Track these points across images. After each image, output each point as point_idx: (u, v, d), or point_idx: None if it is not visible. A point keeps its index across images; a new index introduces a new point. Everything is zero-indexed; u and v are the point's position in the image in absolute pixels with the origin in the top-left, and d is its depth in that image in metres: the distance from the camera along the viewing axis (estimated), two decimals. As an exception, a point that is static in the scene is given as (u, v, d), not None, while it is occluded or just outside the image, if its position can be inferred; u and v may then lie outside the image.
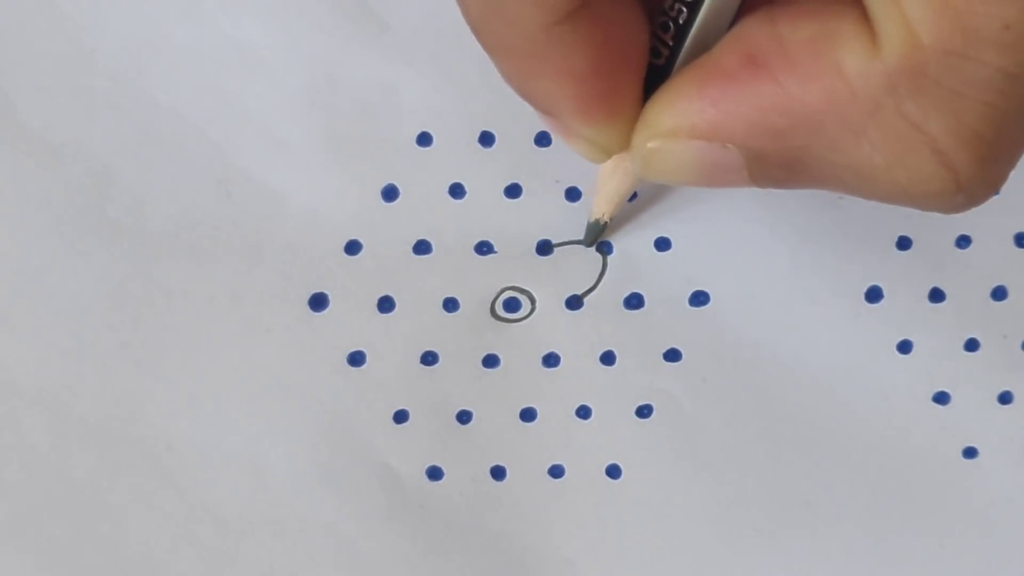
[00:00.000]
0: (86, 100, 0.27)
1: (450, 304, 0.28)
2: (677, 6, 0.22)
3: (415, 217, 0.28)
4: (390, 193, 0.28)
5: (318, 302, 0.28)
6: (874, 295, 0.29)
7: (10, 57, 0.26)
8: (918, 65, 0.19)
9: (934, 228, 0.29)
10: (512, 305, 0.28)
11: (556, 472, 0.29)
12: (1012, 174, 0.29)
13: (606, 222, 0.27)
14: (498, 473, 0.29)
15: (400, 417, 0.28)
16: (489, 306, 0.28)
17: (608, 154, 0.24)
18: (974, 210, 0.28)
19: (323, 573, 0.28)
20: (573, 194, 0.28)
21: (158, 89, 0.27)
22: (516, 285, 0.28)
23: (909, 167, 0.20)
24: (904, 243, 0.29)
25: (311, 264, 0.28)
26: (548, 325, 0.29)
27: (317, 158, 0.27)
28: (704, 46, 0.22)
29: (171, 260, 0.27)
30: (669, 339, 0.29)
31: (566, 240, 0.28)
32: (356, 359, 0.28)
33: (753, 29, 0.21)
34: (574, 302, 0.29)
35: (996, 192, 0.21)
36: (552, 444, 0.29)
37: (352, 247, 0.28)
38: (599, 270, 0.29)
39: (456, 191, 0.28)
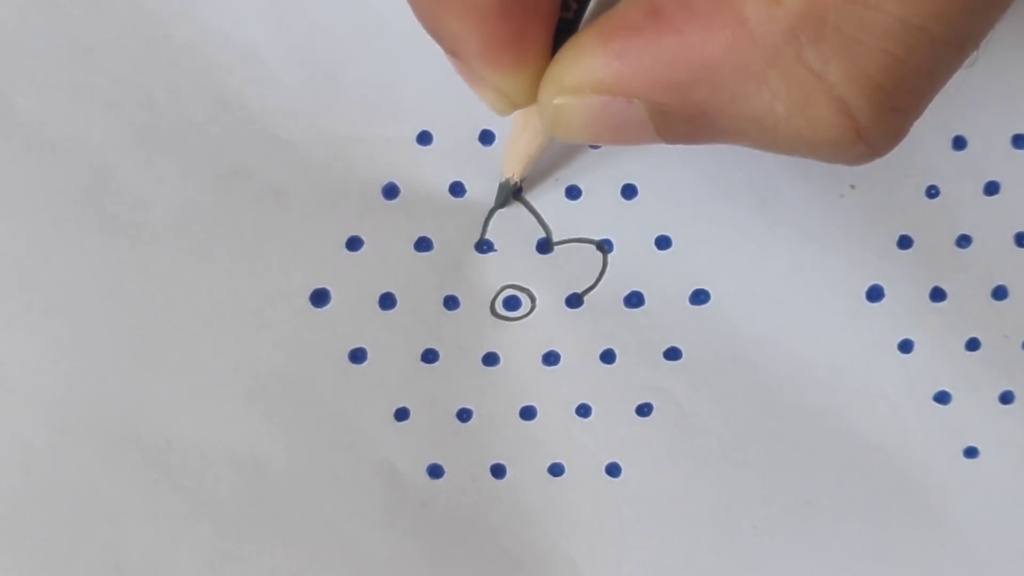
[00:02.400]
0: (86, 97, 0.27)
1: (451, 302, 0.28)
2: None
3: (416, 215, 0.28)
4: (391, 191, 0.28)
5: (319, 299, 0.28)
6: (875, 294, 0.29)
7: (9, 54, 0.26)
8: (818, 12, 0.19)
9: (935, 227, 0.29)
10: (512, 303, 0.28)
11: (556, 470, 0.29)
12: (1012, 173, 0.29)
13: (517, 182, 0.27)
14: (498, 471, 0.29)
15: (401, 415, 0.28)
16: (489, 304, 0.28)
17: (514, 106, 0.23)
18: (975, 210, 0.29)
19: (323, 572, 0.28)
20: (573, 192, 0.28)
21: (158, 87, 0.27)
22: (516, 283, 0.28)
23: (809, 115, 0.20)
24: (905, 242, 0.29)
25: (312, 261, 0.27)
26: (548, 323, 0.28)
27: (318, 156, 0.27)
28: (612, 1, 0.22)
29: (171, 257, 0.27)
30: (669, 337, 0.29)
31: (566, 238, 0.28)
32: (357, 356, 0.28)
33: None
34: (574, 300, 0.29)
35: (897, 143, 0.21)
36: (552, 442, 0.29)
37: (353, 244, 0.28)
38: (599, 268, 0.28)
39: (456, 189, 0.28)
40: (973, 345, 0.29)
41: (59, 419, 0.27)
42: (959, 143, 0.29)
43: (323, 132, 0.27)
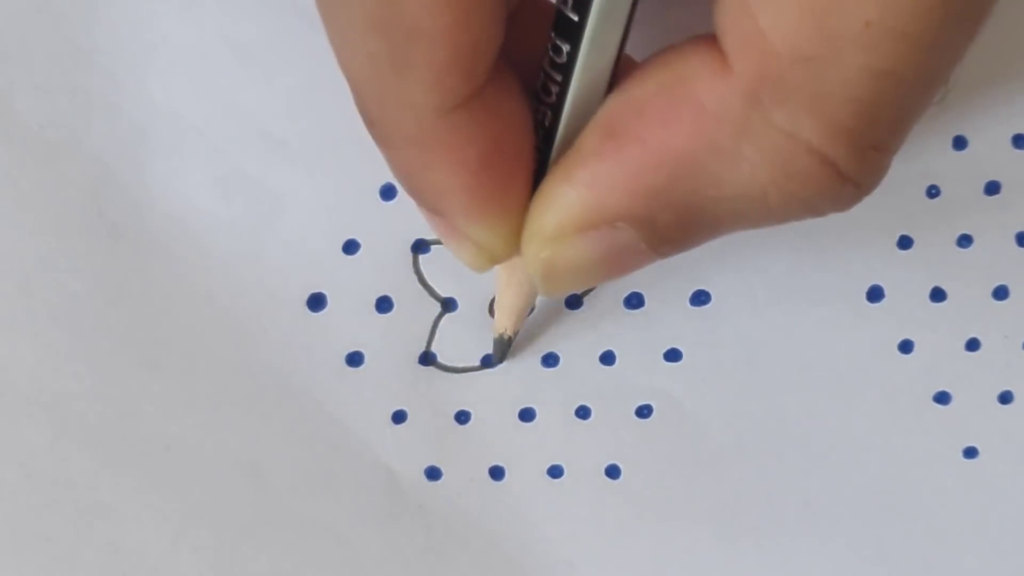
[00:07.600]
0: (83, 99, 0.27)
1: (449, 304, 0.28)
2: (542, 109, 0.22)
3: (413, 216, 0.27)
4: (388, 192, 0.28)
5: (316, 302, 0.28)
6: (875, 294, 0.29)
7: (7, 56, 0.26)
8: (776, 74, 0.19)
9: (935, 227, 0.29)
10: (511, 305, 0.28)
11: (555, 472, 0.29)
12: (1012, 173, 0.29)
13: (510, 336, 0.27)
14: (497, 473, 0.29)
15: (399, 417, 0.28)
16: (488, 305, 0.28)
17: (493, 260, 0.23)
18: (976, 209, 0.29)
19: (322, 573, 0.28)
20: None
21: (155, 88, 0.27)
22: (515, 285, 0.28)
23: (793, 175, 0.20)
24: (905, 242, 0.29)
25: (309, 264, 0.27)
26: (547, 324, 0.28)
27: (315, 157, 0.27)
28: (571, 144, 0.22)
29: (169, 260, 0.27)
30: (669, 339, 0.29)
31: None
32: (354, 359, 0.28)
33: (607, 106, 0.21)
34: (574, 301, 0.29)
35: (883, 177, 0.21)
36: (551, 444, 0.29)
37: (350, 247, 0.28)
38: (599, 269, 0.28)
39: (455, 191, 0.28)
40: (973, 345, 0.29)
41: (59, 422, 0.27)
42: (959, 143, 0.29)
43: (320, 134, 0.27)
